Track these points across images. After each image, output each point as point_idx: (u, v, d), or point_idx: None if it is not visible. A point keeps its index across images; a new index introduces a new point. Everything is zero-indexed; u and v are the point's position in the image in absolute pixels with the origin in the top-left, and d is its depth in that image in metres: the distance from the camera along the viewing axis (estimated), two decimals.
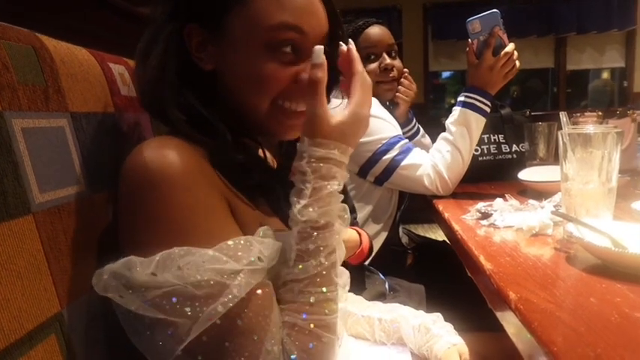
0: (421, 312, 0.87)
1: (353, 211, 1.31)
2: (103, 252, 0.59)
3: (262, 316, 0.53)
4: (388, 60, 1.50)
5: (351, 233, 1.04)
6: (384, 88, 1.53)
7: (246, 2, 0.60)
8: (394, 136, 1.33)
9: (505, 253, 0.76)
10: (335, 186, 0.58)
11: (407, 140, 1.36)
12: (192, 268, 0.49)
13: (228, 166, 0.61)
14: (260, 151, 0.74)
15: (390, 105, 1.64)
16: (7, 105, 0.47)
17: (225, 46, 0.62)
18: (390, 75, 1.51)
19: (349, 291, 0.85)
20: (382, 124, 1.35)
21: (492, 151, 1.56)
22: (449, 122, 1.29)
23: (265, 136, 0.71)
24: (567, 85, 5.15)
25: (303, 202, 0.57)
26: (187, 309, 0.49)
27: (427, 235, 2.01)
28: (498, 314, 0.63)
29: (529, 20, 4.72)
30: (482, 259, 0.73)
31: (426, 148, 1.37)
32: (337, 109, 0.62)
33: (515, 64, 1.24)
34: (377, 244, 1.45)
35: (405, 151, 1.31)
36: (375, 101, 1.45)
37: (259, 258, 0.54)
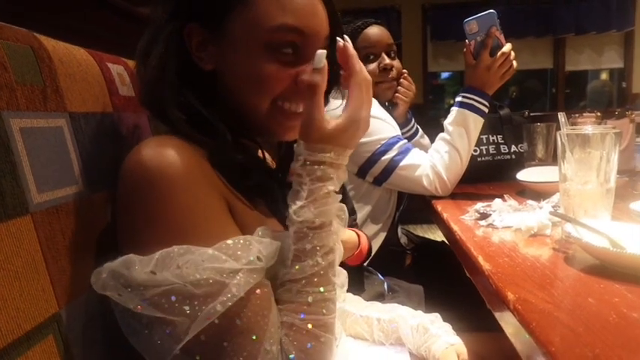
0: (419, 312, 0.87)
1: (353, 212, 1.31)
2: (102, 252, 0.59)
3: (261, 315, 0.53)
4: (387, 60, 1.50)
5: (349, 234, 1.04)
6: (383, 89, 1.53)
7: (248, 3, 0.60)
8: (393, 137, 1.33)
9: (503, 254, 0.76)
10: (331, 187, 0.58)
11: (406, 141, 1.36)
12: (191, 267, 0.49)
13: (227, 166, 0.61)
14: (259, 152, 0.74)
15: (389, 105, 1.64)
16: (5, 105, 0.47)
17: (225, 46, 0.62)
18: (389, 75, 1.51)
19: (348, 291, 0.85)
20: (381, 125, 1.35)
21: (491, 152, 1.56)
22: (447, 123, 1.29)
23: (265, 136, 0.71)
24: (566, 86, 5.15)
25: (299, 203, 0.57)
26: (186, 307, 0.49)
27: (426, 236, 2.01)
28: (497, 314, 0.63)
29: (527, 21, 4.73)
30: (480, 259, 0.73)
31: (425, 149, 1.37)
32: (336, 111, 0.61)
33: (512, 65, 1.24)
34: (376, 245, 1.45)
35: (404, 152, 1.31)
36: (374, 101, 1.44)
37: (258, 258, 0.54)
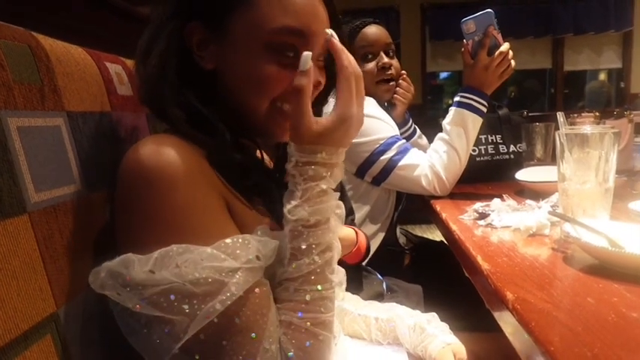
0: (417, 312, 0.87)
1: (351, 212, 1.31)
2: (100, 252, 0.59)
3: (260, 314, 0.53)
4: (386, 59, 1.50)
5: (347, 232, 1.03)
6: (382, 89, 1.53)
7: (250, 3, 0.60)
8: (392, 137, 1.33)
9: (502, 254, 0.76)
10: (324, 185, 0.58)
11: (404, 141, 1.36)
12: (190, 266, 0.49)
13: (226, 165, 0.61)
14: (258, 152, 0.74)
15: (388, 106, 1.64)
16: (2, 104, 0.47)
17: (226, 46, 0.62)
18: (388, 73, 1.51)
19: (346, 290, 0.85)
20: (380, 125, 1.35)
21: (490, 152, 1.56)
22: (445, 123, 1.29)
23: (263, 137, 0.71)
24: (564, 86, 5.16)
25: (294, 202, 0.57)
26: (185, 306, 0.48)
27: (425, 236, 2.01)
28: (496, 314, 0.63)
29: (526, 21, 4.73)
30: (479, 259, 0.73)
31: (423, 149, 1.37)
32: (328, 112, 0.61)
33: (510, 64, 1.24)
34: (374, 245, 1.45)
35: (403, 152, 1.31)
36: (372, 101, 1.45)
37: (257, 257, 0.54)
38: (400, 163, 1.30)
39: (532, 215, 0.89)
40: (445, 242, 1.15)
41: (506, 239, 0.85)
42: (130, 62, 0.78)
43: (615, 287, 0.59)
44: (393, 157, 1.30)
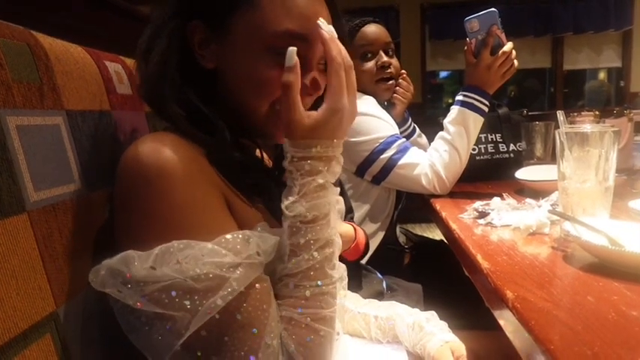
0: (416, 310, 0.87)
1: (350, 211, 1.31)
2: (99, 250, 0.59)
3: (261, 310, 0.53)
4: (385, 58, 1.50)
5: (346, 228, 1.03)
6: (382, 88, 1.53)
7: (253, 4, 0.60)
8: (391, 135, 1.33)
9: (502, 252, 0.76)
10: (321, 180, 0.58)
11: (404, 139, 1.36)
12: (191, 262, 0.49)
13: (225, 164, 0.61)
14: (257, 152, 0.74)
15: (387, 105, 1.64)
16: (1, 103, 0.47)
17: (227, 46, 0.62)
18: (387, 72, 1.51)
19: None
20: (379, 123, 1.35)
21: (490, 151, 1.56)
22: (447, 121, 1.29)
23: (262, 138, 0.71)
24: (564, 85, 5.16)
25: (291, 198, 0.57)
26: (187, 302, 0.48)
27: (424, 235, 2.02)
28: (496, 313, 0.63)
29: (526, 20, 4.73)
30: (479, 258, 0.73)
31: (423, 148, 1.37)
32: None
33: (513, 64, 1.24)
34: (374, 244, 1.45)
35: (403, 150, 1.31)
36: (372, 100, 1.45)
37: (257, 253, 0.54)
38: (400, 162, 1.30)
39: (532, 214, 0.89)
40: (445, 241, 1.15)
41: (506, 238, 0.85)
42: (129, 61, 0.77)
43: (615, 286, 0.59)
44: (392, 155, 1.30)
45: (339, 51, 0.58)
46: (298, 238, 0.57)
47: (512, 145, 1.57)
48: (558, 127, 0.87)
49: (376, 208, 1.46)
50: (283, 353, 0.53)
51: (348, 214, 1.26)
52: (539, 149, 1.41)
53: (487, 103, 1.26)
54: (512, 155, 1.56)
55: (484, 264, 0.70)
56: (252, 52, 0.61)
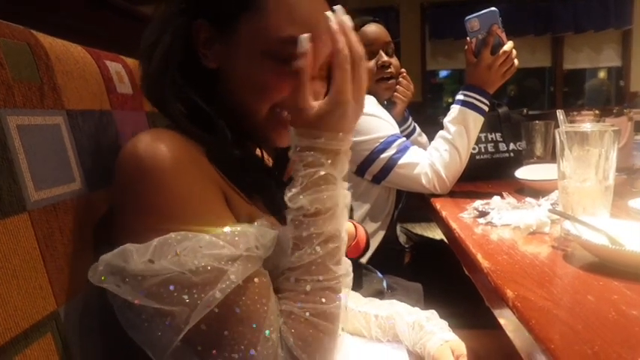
0: (416, 309, 0.87)
1: (350, 210, 1.31)
2: (100, 250, 0.58)
3: (260, 304, 0.52)
4: (385, 57, 1.50)
5: (346, 225, 1.03)
6: (382, 88, 1.53)
7: (260, 8, 0.60)
8: (391, 135, 1.33)
9: (502, 251, 0.76)
10: (323, 171, 0.57)
11: (404, 139, 1.36)
12: (189, 254, 0.49)
13: (225, 162, 0.61)
14: (257, 151, 0.74)
15: (388, 104, 1.64)
16: (1, 102, 0.47)
17: (231, 47, 0.62)
18: (387, 71, 1.51)
19: None
20: (379, 123, 1.35)
21: (490, 150, 1.56)
22: (447, 121, 1.29)
23: (260, 140, 0.71)
24: (564, 84, 5.16)
25: (294, 190, 0.57)
26: (185, 297, 0.48)
27: (425, 234, 2.02)
28: (496, 312, 0.63)
29: (526, 19, 4.73)
30: (479, 257, 0.73)
31: (423, 147, 1.37)
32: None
33: (513, 63, 1.23)
34: (374, 243, 1.45)
35: (403, 150, 1.31)
36: (372, 100, 1.45)
37: (256, 246, 0.54)
38: (400, 162, 1.30)
39: (532, 213, 0.89)
40: (445, 240, 1.15)
41: (506, 237, 0.85)
42: (130, 61, 0.77)
43: (615, 285, 0.59)
44: (393, 155, 1.30)
45: (346, 43, 0.57)
46: (301, 232, 0.57)
47: (512, 144, 1.57)
48: (558, 127, 0.86)
49: (376, 207, 1.46)
50: (282, 347, 0.53)
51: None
52: (539, 148, 1.41)
53: (487, 102, 1.26)
54: (512, 154, 1.56)
55: (484, 263, 0.70)
56: (255, 56, 0.61)
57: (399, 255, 1.64)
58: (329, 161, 0.58)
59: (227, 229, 0.53)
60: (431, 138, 1.37)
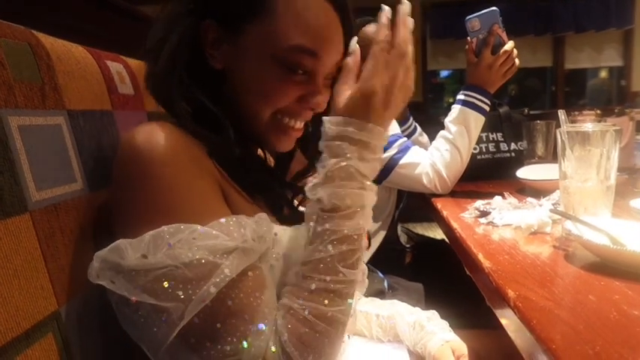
0: (417, 309, 0.87)
1: None
2: (101, 250, 0.59)
3: (253, 297, 0.52)
4: None
5: None
6: None
7: (270, 13, 0.60)
8: (392, 135, 1.33)
9: (504, 251, 0.76)
10: (344, 162, 0.56)
11: (405, 139, 1.36)
12: (184, 247, 0.49)
13: (227, 161, 0.61)
14: (260, 152, 0.74)
15: None
16: (3, 103, 0.47)
17: (238, 50, 0.62)
18: None
19: None
20: None
21: (491, 150, 1.56)
22: (448, 121, 1.29)
23: (260, 144, 0.71)
24: (565, 84, 5.15)
25: (315, 180, 0.57)
26: (179, 292, 0.48)
27: (426, 234, 2.02)
28: (497, 312, 0.63)
29: (527, 19, 4.72)
30: (480, 257, 0.73)
31: (424, 147, 1.37)
32: None
33: (514, 63, 1.23)
34: (375, 243, 1.45)
35: (404, 150, 1.31)
36: None
37: (252, 238, 0.53)
38: (401, 162, 1.30)
39: (533, 213, 0.89)
40: (446, 240, 1.15)
41: (508, 237, 0.85)
42: (131, 61, 0.77)
43: (617, 285, 0.59)
44: (393, 155, 1.30)
45: (384, 36, 0.59)
46: (316, 226, 0.56)
47: (513, 144, 1.57)
48: (559, 126, 0.86)
49: (377, 207, 1.44)
50: (275, 342, 0.52)
51: None
52: (540, 148, 1.41)
53: (488, 102, 1.26)
54: (513, 154, 1.56)
55: (485, 263, 0.70)
56: (261, 61, 0.61)
57: (400, 255, 1.64)
58: (355, 153, 0.57)
59: (222, 220, 0.53)
60: (432, 138, 1.37)
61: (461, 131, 1.25)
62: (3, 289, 0.44)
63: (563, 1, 4.74)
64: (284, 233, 0.62)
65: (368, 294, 1.00)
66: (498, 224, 0.92)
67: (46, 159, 0.53)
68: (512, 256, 0.73)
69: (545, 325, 0.49)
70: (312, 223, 0.57)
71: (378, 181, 1.37)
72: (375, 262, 1.35)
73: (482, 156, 1.55)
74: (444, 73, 5.64)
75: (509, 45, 1.21)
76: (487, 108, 1.27)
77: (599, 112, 1.39)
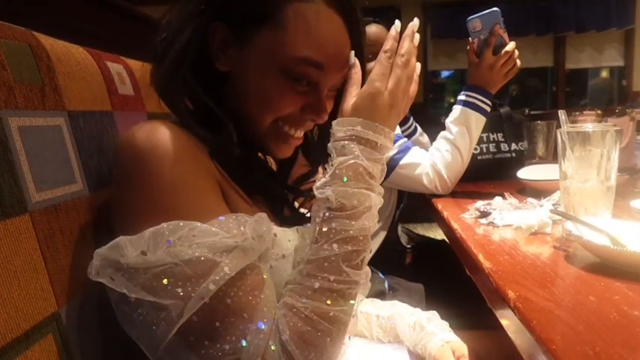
0: (417, 309, 0.87)
1: None
2: None
3: (252, 295, 0.52)
4: None
5: None
6: None
7: (279, 24, 0.60)
8: None
9: (504, 252, 0.76)
10: (352, 160, 0.58)
11: (406, 139, 1.36)
12: (184, 244, 0.49)
13: (228, 161, 0.61)
14: (261, 154, 0.74)
15: None
16: (3, 104, 0.47)
17: (245, 54, 0.62)
18: None
19: None
20: None
21: (491, 150, 1.56)
22: (449, 121, 1.29)
23: (259, 149, 0.72)
24: (566, 84, 5.15)
25: (323, 179, 0.58)
26: (179, 290, 0.48)
27: (426, 234, 2.02)
28: (497, 313, 0.63)
29: (528, 19, 4.72)
30: (481, 257, 0.73)
31: (425, 147, 1.37)
32: None
33: (515, 63, 1.23)
34: (376, 244, 1.45)
35: (404, 150, 1.31)
36: None
37: (252, 237, 0.53)
38: (401, 162, 1.30)
39: (534, 213, 0.89)
40: (446, 241, 1.15)
41: (508, 238, 0.85)
42: (131, 62, 0.78)
43: (617, 285, 0.58)
44: (394, 155, 1.30)
45: (391, 46, 0.65)
46: (322, 225, 0.57)
47: (514, 144, 1.57)
48: (560, 127, 0.86)
49: None
50: (275, 341, 0.52)
51: None
52: (540, 148, 1.41)
53: (489, 102, 1.26)
54: (514, 155, 1.56)
55: (486, 264, 0.70)
56: (266, 68, 0.61)
57: (401, 255, 1.64)
58: (363, 153, 0.58)
59: (222, 217, 0.53)
60: (432, 138, 1.37)
61: (462, 132, 1.25)
62: (2, 290, 0.44)
63: (563, 1, 4.74)
64: (283, 235, 0.62)
65: (369, 295, 0.99)
66: (499, 225, 0.92)
67: (46, 160, 0.53)
68: (512, 257, 0.73)
69: (545, 326, 0.49)
70: (318, 221, 0.57)
71: None
72: (375, 263, 1.35)
73: (483, 156, 1.55)
74: (444, 74, 5.64)
75: (511, 46, 1.21)
76: (488, 109, 1.27)
77: (599, 112, 1.39)
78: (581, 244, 0.69)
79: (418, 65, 0.68)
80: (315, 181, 0.65)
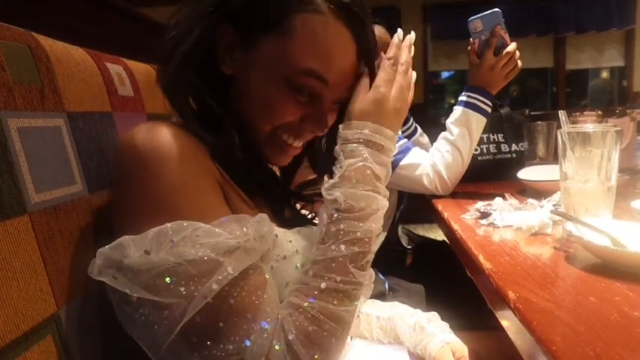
0: (418, 310, 0.87)
1: None
2: None
3: (255, 295, 0.52)
4: None
5: None
6: None
7: (286, 33, 0.60)
8: None
9: (504, 253, 0.76)
10: (361, 163, 0.59)
11: (406, 140, 1.36)
12: (187, 244, 0.49)
13: (229, 163, 0.61)
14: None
15: None
16: (2, 105, 0.47)
17: (250, 59, 0.62)
18: None
19: None
20: None
21: (492, 151, 1.56)
22: (450, 122, 1.29)
23: (259, 155, 0.72)
24: (567, 85, 5.15)
25: (332, 181, 0.58)
26: (182, 289, 0.48)
27: (426, 235, 2.01)
28: (498, 313, 0.63)
29: (528, 20, 4.73)
30: (481, 258, 0.73)
31: (425, 148, 1.37)
32: None
33: (516, 64, 1.23)
34: (376, 245, 1.45)
35: (404, 151, 1.31)
36: None
37: (254, 237, 0.53)
38: (402, 163, 1.30)
39: (534, 214, 0.89)
40: (447, 242, 1.14)
41: (508, 238, 0.85)
42: (131, 63, 0.78)
43: (618, 286, 0.58)
44: (394, 156, 1.30)
45: (394, 53, 0.68)
46: (330, 226, 0.57)
47: (514, 145, 1.57)
48: (560, 127, 0.86)
49: None
50: (280, 341, 0.51)
51: None
52: (541, 149, 1.41)
53: (490, 103, 1.26)
54: (514, 155, 1.56)
55: (486, 264, 0.70)
56: (270, 75, 0.61)
57: (401, 256, 1.64)
58: (371, 156, 0.60)
59: (224, 218, 0.53)
60: (432, 139, 1.37)
61: (462, 133, 1.25)
62: (2, 291, 0.44)
63: (564, 1, 4.74)
64: (284, 236, 0.62)
65: (369, 296, 0.99)
66: (499, 225, 0.92)
67: (46, 161, 0.53)
68: (512, 258, 0.73)
69: (545, 327, 0.49)
70: (325, 222, 0.57)
71: None
72: (375, 264, 1.34)
73: (483, 157, 1.55)
74: (444, 74, 5.64)
75: (512, 46, 1.21)
76: (489, 109, 1.26)
77: (600, 112, 1.39)
78: (582, 244, 0.68)
79: (414, 74, 0.70)
80: (318, 187, 0.65)
